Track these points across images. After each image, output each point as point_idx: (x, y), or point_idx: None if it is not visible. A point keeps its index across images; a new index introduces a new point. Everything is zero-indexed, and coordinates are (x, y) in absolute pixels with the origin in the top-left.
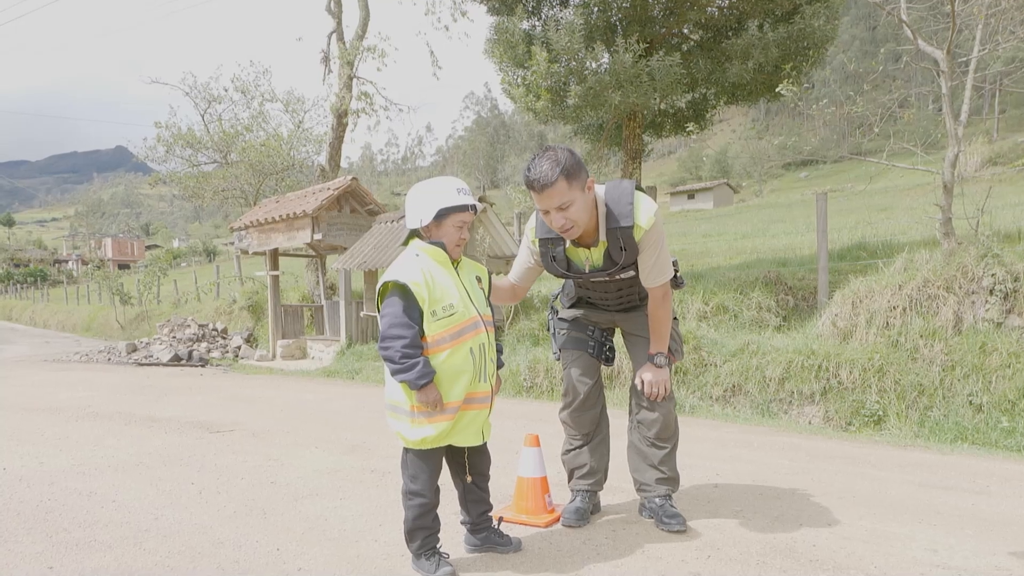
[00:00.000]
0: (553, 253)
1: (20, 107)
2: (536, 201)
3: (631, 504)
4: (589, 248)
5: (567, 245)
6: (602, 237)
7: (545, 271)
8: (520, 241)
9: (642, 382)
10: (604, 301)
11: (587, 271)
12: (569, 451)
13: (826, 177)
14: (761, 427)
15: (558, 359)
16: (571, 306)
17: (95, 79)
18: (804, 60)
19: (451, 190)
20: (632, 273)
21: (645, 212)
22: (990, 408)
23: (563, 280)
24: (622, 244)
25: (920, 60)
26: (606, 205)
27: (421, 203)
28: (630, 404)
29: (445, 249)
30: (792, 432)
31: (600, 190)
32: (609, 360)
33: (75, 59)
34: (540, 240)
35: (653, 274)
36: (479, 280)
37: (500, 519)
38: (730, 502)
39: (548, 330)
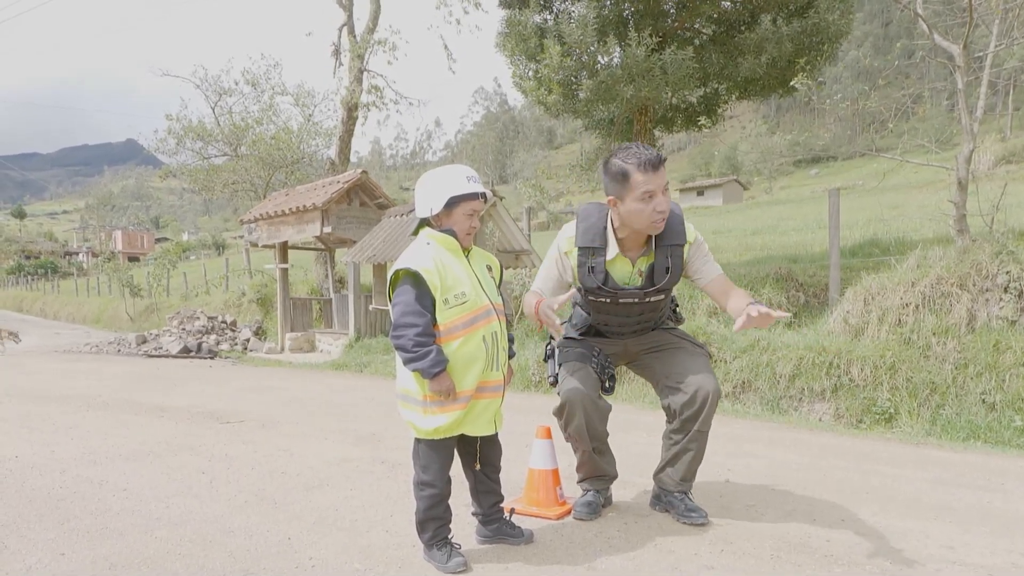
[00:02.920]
0: (592, 263)
1: (31, 98)
2: (643, 183)
3: (643, 498)
4: (633, 262)
5: (607, 257)
6: (652, 248)
7: (574, 286)
8: (530, 236)
9: (752, 314)
10: (621, 327)
11: (623, 287)
12: (582, 463)
13: (837, 174)
14: (771, 423)
15: (553, 384)
16: (579, 336)
17: (108, 72)
18: (818, 55)
19: (461, 178)
20: (661, 296)
21: (690, 229)
22: (1003, 407)
23: (574, 306)
24: (669, 264)
25: (935, 56)
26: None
27: (431, 191)
28: (669, 409)
29: (456, 237)
30: (803, 429)
31: None
32: (608, 389)
33: (88, 52)
34: (581, 248)
35: (708, 268)
36: (490, 269)
37: (512, 511)
38: (742, 497)
39: (545, 358)
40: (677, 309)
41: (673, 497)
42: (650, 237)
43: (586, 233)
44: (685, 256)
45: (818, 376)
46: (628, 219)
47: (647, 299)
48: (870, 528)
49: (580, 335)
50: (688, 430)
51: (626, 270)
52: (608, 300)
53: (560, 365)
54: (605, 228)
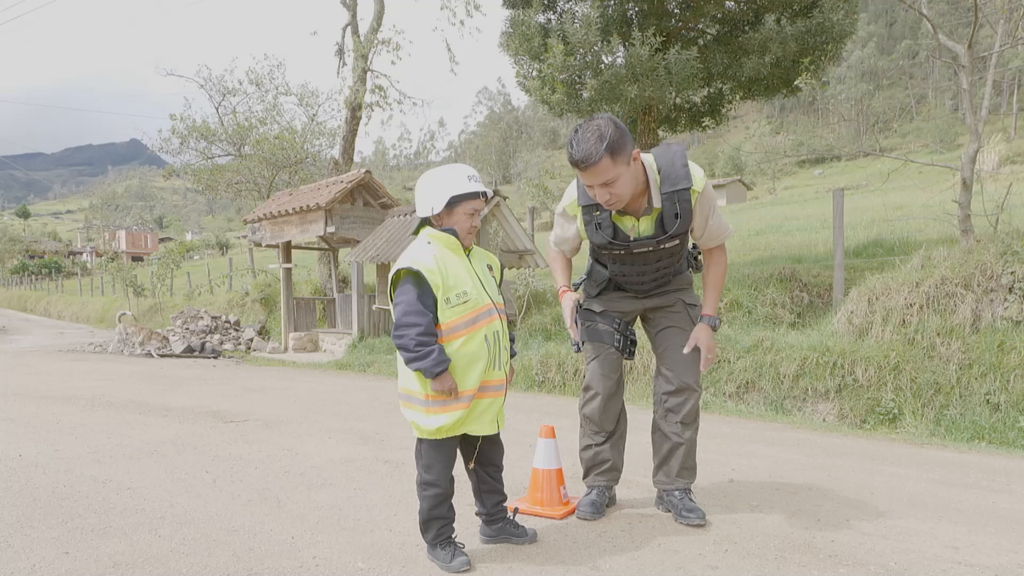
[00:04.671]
0: (598, 220)
1: (35, 99)
2: (582, 176)
3: (647, 498)
4: (638, 218)
5: (612, 213)
6: (656, 204)
7: (586, 240)
8: (533, 236)
9: (696, 349)
10: (640, 278)
11: (634, 239)
12: (589, 447)
13: (841, 175)
14: (775, 423)
15: (578, 351)
16: (597, 294)
17: (112, 72)
18: (822, 55)
19: (462, 177)
20: (677, 242)
21: (697, 174)
22: (1008, 407)
23: (592, 261)
24: (678, 210)
25: (939, 55)
26: (658, 171)
27: (432, 191)
28: (656, 393)
29: (457, 236)
30: (807, 429)
31: (648, 157)
32: (631, 354)
33: (92, 52)
34: (584, 208)
35: (714, 233)
36: (490, 268)
37: (515, 510)
38: (747, 497)
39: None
40: (699, 257)
41: (673, 496)
42: (648, 196)
43: (585, 193)
44: (693, 203)
45: (822, 376)
46: None
47: (661, 247)
48: (875, 528)
49: (598, 292)
50: (671, 422)
51: (629, 225)
52: (622, 251)
53: (584, 341)
54: None
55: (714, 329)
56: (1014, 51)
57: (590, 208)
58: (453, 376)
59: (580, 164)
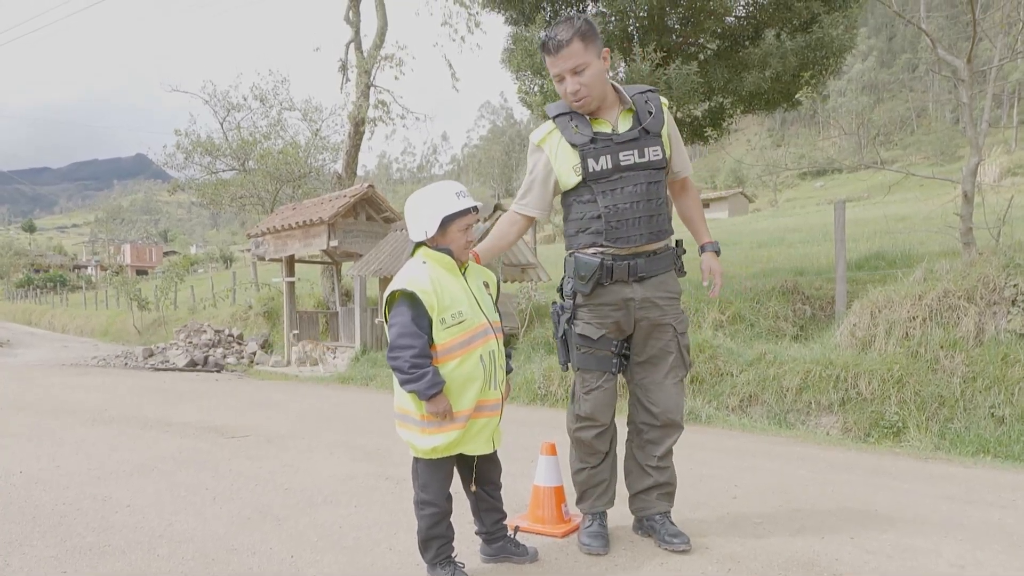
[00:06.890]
0: (576, 123)
1: (42, 114)
2: (550, 66)
3: None
4: (612, 122)
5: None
6: (628, 105)
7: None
8: (536, 250)
9: (710, 272)
10: (635, 214)
11: (613, 132)
12: (583, 469)
13: (842, 187)
14: (778, 437)
15: (566, 370)
16: (591, 291)
17: (119, 87)
18: (822, 69)
19: (450, 196)
20: (659, 155)
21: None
22: (1012, 421)
23: (575, 255)
24: (651, 108)
25: (939, 69)
26: (623, 91)
27: (423, 215)
28: (634, 422)
29: (452, 256)
30: (810, 442)
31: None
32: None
33: (98, 68)
34: (557, 117)
35: (682, 154)
36: (487, 286)
37: (516, 529)
38: (750, 514)
39: (556, 330)
40: (682, 256)
41: (654, 521)
42: (620, 97)
43: (558, 108)
44: (663, 107)
45: (825, 389)
46: None
47: (645, 152)
48: (879, 546)
49: (592, 289)
50: (650, 455)
51: (607, 128)
52: (610, 164)
53: (577, 368)
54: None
55: (718, 254)
56: (1013, 64)
57: (565, 116)
58: (448, 397)
59: (550, 45)
